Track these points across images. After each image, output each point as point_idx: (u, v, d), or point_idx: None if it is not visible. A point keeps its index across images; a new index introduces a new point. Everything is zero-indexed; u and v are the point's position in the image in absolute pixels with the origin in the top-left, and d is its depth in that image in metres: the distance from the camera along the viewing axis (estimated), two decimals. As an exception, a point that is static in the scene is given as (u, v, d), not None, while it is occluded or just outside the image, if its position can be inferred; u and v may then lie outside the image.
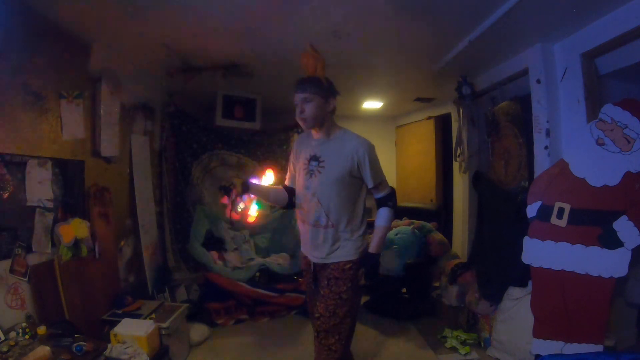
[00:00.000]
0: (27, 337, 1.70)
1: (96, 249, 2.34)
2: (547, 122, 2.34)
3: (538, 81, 2.38)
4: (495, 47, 2.52)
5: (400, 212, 3.95)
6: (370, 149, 1.62)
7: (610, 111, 1.97)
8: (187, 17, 2.11)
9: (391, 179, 5.35)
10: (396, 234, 3.30)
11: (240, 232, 3.67)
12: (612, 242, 1.93)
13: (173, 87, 3.47)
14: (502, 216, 2.63)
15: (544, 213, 2.12)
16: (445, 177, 4.40)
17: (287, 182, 1.84)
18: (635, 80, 2.24)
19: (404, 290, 3.41)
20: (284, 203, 1.77)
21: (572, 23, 2.09)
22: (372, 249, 1.67)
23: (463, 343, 2.66)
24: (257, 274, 3.23)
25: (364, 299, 3.58)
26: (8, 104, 1.84)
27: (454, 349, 2.63)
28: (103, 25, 2.20)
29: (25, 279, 1.85)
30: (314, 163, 1.64)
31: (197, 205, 3.62)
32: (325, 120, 1.64)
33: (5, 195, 1.79)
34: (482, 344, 2.64)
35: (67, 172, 2.22)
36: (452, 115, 3.81)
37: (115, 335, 2.00)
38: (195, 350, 2.63)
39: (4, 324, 1.70)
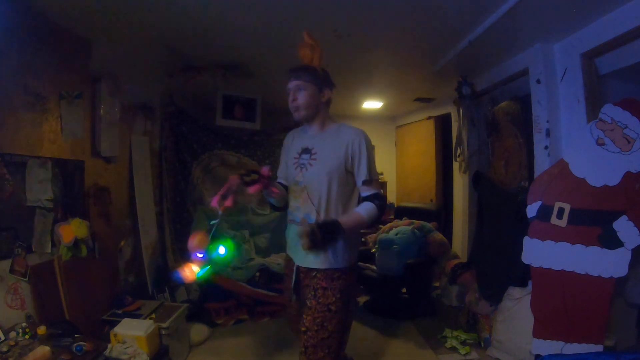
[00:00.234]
0: (27, 337, 1.70)
1: (96, 249, 2.34)
2: (547, 122, 2.34)
3: (538, 81, 2.38)
4: (495, 47, 2.52)
5: (400, 212, 3.96)
6: (367, 141, 1.52)
7: (610, 111, 1.97)
8: (187, 17, 2.11)
9: (391, 179, 5.35)
10: (396, 234, 3.30)
11: (240, 232, 3.67)
12: (612, 242, 1.93)
13: (173, 87, 3.47)
14: (502, 216, 2.63)
15: (544, 213, 2.12)
16: (445, 177, 4.40)
17: (280, 180, 1.72)
18: (635, 80, 2.24)
19: (404, 290, 3.41)
20: (285, 202, 1.66)
21: (572, 23, 2.09)
22: (341, 220, 1.43)
23: (463, 343, 2.66)
24: (257, 274, 3.23)
25: (364, 299, 3.59)
26: (8, 104, 1.84)
27: (454, 349, 2.63)
28: (103, 25, 2.20)
29: (25, 279, 1.85)
30: (305, 156, 1.54)
31: (197, 205, 3.62)
32: (319, 112, 1.56)
33: (5, 195, 1.79)
34: (482, 344, 2.64)
35: (67, 172, 2.22)
36: (452, 115, 3.81)
37: (115, 335, 2.00)
38: (195, 350, 2.63)
39: (4, 324, 1.70)
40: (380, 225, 3.74)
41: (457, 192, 3.85)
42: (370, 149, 1.53)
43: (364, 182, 1.51)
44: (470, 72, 3.08)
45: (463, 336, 2.72)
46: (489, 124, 3.00)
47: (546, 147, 2.34)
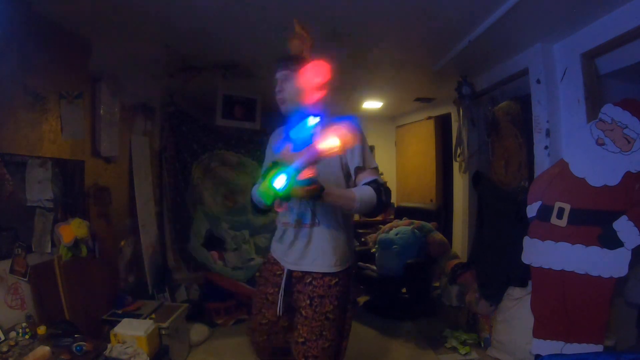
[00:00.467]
0: (27, 337, 1.70)
1: (96, 249, 2.34)
2: (547, 122, 2.34)
3: (538, 81, 2.38)
4: (495, 47, 2.52)
5: (400, 212, 3.96)
6: (361, 132, 1.42)
7: (610, 111, 1.97)
8: (187, 17, 2.11)
9: (391, 179, 5.35)
10: (396, 234, 3.30)
11: (241, 232, 3.67)
12: (612, 242, 1.93)
13: (173, 87, 3.47)
14: (502, 216, 2.63)
15: (544, 213, 2.12)
16: (445, 177, 4.40)
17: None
18: (635, 80, 2.24)
19: (404, 290, 3.41)
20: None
21: (572, 23, 2.09)
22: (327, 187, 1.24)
23: (463, 343, 2.66)
24: (257, 274, 3.23)
25: (364, 299, 3.59)
26: (8, 104, 1.84)
27: (454, 349, 2.63)
28: (103, 25, 2.20)
29: (25, 279, 1.85)
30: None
31: (197, 205, 3.62)
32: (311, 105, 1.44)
33: (5, 195, 1.79)
34: (482, 344, 2.64)
35: (67, 172, 2.22)
36: (452, 115, 3.81)
37: (115, 335, 2.01)
38: (195, 350, 2.63)
39: (4, 324, 1.70)
40: (380, 225, 3.74)
41: (457, 192, 3.86)
42: (363, 139, 1.42)
43: (358, 169, 1.38)
44: (470, 72, 3.08)
45: (463, 336, 2.72)
46: (489, 124, 3.00)
47: (546, 147, 2.34)
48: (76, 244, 2.15)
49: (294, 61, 1.43)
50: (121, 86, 2.69)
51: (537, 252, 2.13)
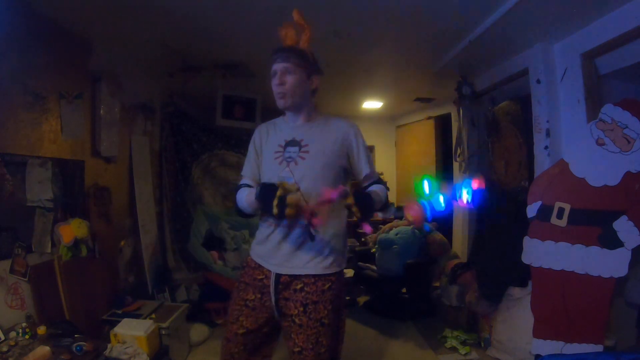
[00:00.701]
0: (27, 337, 1.70)
1: (96, 249, 2.34)
2: (547, 122, 2.34)
3: (538, 81, 2.38)
4: (495, 47, 2.52)
5: (400, 212, 3.95)
6: (360, 132, 1.40)
7: (610, 111, 1.97)
8: (187, 17, 2.11)
9: (391, 179, 5.35)
10: (396, 234, 3.30)
11: (241, 232, 3.67)
12: (612, 242, 1.93)
13: (173, 87, 3.47)
14: (502, 216, 2.63)
15: (544, 213, 2.12)
16: (445, 177, 4.39)
17: (245, 181, 1.45)
18: (635, 80, 2.23)
19: (404, 290, 3.41)
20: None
21: (572, 23, 2.09)
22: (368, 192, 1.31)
23: (463, 343, 2.66)
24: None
25: (364, 299, 3.59)
26: (8, 104, 1.84)
27: (454, 349, 2.63)
28: (103, 25, 2.20)
29: (25, 279, 1.85)
30: (292, 149, 1.33)
31: (197, 205, 3.62)
32: (306, 100, 1.37)
33: (5, 195, 1.79)
34: (482, 344, 2.64)
35: (67, 172, 2.22)
36: (452, 115, 3.81)
37: (115, 335, 2.00)
38: (195, 350, 2.63)
39: (4, 324, 1.70)
40: (380, 225, 3.74)
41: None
42: (363, 139, 1.40)
43: (367, 175, 1.39)
44: (470, 72, 3.08)
45: (463, 336, 2.72)
46: (489, 124, 3.00)
47: (546, 147, 2.34)
48: (76, 244, 2.15)
49: (296, 54, 1.32)
50: (121, 86, 2.69)
51: (537, 252, 2.13)
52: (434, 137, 4.47)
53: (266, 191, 1.18)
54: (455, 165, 3.70)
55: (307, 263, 1.29)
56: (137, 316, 2.28)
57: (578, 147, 2.10)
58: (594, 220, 1.98)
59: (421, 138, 4.73)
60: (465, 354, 2.56)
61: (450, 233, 3.89)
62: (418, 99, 4.22)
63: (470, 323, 2.85)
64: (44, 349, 1.59)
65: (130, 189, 2.97)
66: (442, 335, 2.80)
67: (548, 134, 2.34)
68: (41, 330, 1.75)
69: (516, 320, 2.34)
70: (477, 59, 2.78)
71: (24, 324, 1.74)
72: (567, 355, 1.98)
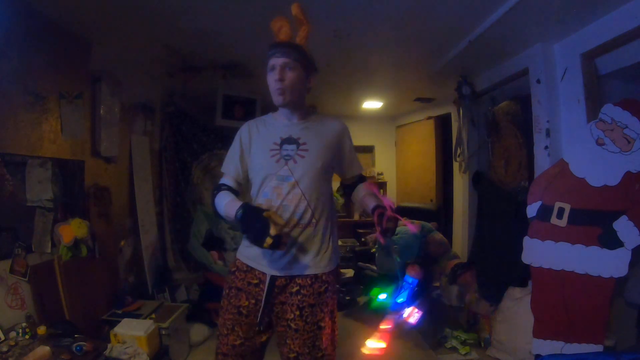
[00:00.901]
0: (27, 337, 1.70)
1: (96, 249, 2.34)
2: (547, 122, 2.34)
3: (538, 81, 2.38)
4: (495, 47, 2.52)
5: (400, 212, 3.95)
6: (349, 131, 1.43)
7: (610, 111, 1.97)
8: (187, 17, 2.11)
9: (391, 179, 5.35)
10: (396, 234, 3.30)
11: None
12: (612, 242, 1.93)
13: (173, 87, 3.47)
14: (502, 216, 2.63)
15: (544, 213, 2.12)
16: (445, 177, 4.40)
17: (227, 181, 1.38)
18: (635, 80, 2.24)
19: (404, 290, 3.41)
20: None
21: (572, 23, 2.09)
22: (378, 202, 1.38)
23: (463, 343, 2.66)
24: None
25: (364, 299, 3.59)
26: (8, 104, 1.84)
27: (454, 349, 2.63)
28: (103, 25, 2.20)
29: (25, 279, 1.85)
30: (289, 147, 1.29)
31: (197, 205, 3.62)
32: (303, 99, 1.35)
33: (5, 195, 1.79)
34: (482, 344, 2.64)
35: (67, 172, 2.22)
36: (452, 115, 3.81)
37: (115, 335, 2.00)
38: (195, 350, 2.63)
39: (4, 324, 1.70)
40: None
41: (457, 192, 3.85)
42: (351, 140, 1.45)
43: (357, 175, 1.45)
44: (470, 72, 3.08)
45: (463, 336, 2.72)
46: (489, 124, 3.00)
47: (546, 147, 2.34)
48: (76, 244, 2.16)
49: (295, 50, 1.27)
50: (121, 86, 2.69)
51: (537, 252, 2.13)
52: (434, 137, 4.47)
53: (251, 219, 1.13)
54: (455, 165, 3.70)
55: (306, 263, 1.25)
56: (137, 316, 2.28)
57: (578, 147, 2.10)
58: (594, 220, 1.98)
59: (421, 138, 4.73)
60: (465, 354, 2.56)
61: (450, 233, 3.89)
62: (418, 99, 4.22)
63: (470, 323, 2.85)
64: (44, 349, 1.60)
65: (130, 189, 2.97)
66: (442, 335, 2.80)
67: (548, 133, 2.34)
68: (41, 330, 1.75)
69: (516, 320, 2.34)
70: (477, 59, 2.78)
71: (24, 324, 1.74)
72: (567, 355, 1.98)
